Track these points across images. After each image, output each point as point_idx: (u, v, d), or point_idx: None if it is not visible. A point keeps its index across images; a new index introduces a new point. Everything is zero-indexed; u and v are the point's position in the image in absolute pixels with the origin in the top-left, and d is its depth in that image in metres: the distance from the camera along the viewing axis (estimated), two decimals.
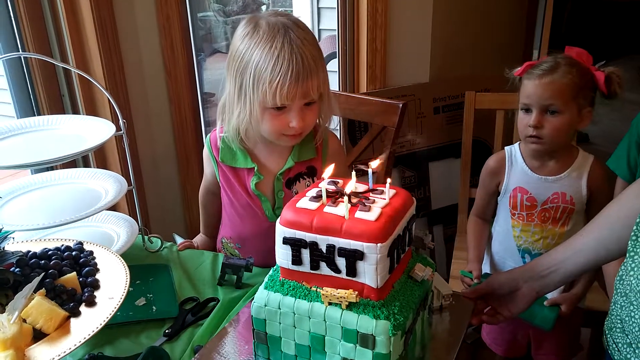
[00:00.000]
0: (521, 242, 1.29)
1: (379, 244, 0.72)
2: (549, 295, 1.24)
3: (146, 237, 1.21)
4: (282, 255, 0.79)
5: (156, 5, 1.42)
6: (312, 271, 0.77)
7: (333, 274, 0.76)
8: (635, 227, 0.75)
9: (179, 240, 1.25)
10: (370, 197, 0.80)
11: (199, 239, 1.34)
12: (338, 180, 0.85)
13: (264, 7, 5.95)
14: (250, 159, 1.15)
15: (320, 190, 0.80)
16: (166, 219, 1.60)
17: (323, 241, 0.75)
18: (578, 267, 0.89)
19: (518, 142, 1.32)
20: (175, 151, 1.60)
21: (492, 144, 1.77)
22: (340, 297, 0.75)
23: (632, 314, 0.72)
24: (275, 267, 0.85)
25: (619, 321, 0.77)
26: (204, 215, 1.34)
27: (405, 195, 0.82)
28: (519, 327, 1.36)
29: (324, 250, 0.75)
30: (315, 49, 1.03)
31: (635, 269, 0.70)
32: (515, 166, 1.29)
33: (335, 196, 0.80)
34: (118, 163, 1.44)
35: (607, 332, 0.82)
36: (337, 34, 1.91)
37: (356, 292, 0.75)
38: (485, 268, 1.37)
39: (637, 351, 0.71)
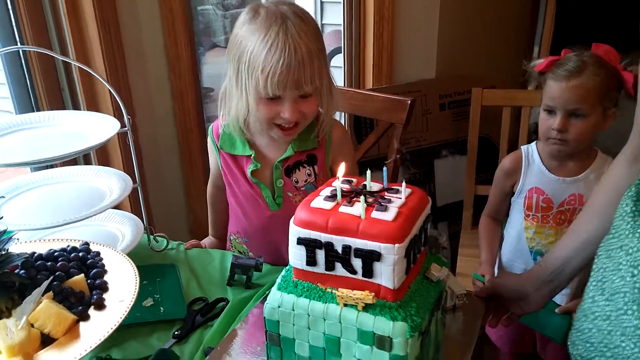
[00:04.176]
0: (534, 243, 1.27)
1: (396, 245, 0.70)
2: (560, 301, 1.22)
3: (152, 237, 1.18)
4: (296, 255, 0.77)
5: None
6: (327, 272, 0.75)
7: (349, 274, 0.74)
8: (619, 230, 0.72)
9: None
10: (386, 197, 0.78)
11: (207, 241, 1.32)
12: (352, 179, 0.83)
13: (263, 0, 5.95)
14: (249, 146, 1.14)
15: (335, 190, 0.78)
16: (170, 217, 1.58)
17: (339, 242, 0.73)
18: (581, 265, 0.87)
19: (535, 142, 1.29)
20: (179, 148, 1.57)
21: (498, 141, 1.75)
22: (357, 299, 0.74)
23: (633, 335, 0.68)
24: (287, 268, 0.83)
25: (603, 347, 0.72)
26: (212, 214, 1.32)
27: (420, 194, 0.81)
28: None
29: (340, 251, 0.73)
30: (314, 40, 1.02)
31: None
32: (532, 166, 1.27)
33: (350, 195, 0.78)
34: (120, 160, 1.41)
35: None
36: (342, 28, 1.88)
37: (373, 294, 0.73)
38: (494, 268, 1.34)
39: None
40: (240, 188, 1.17)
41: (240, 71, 1.03)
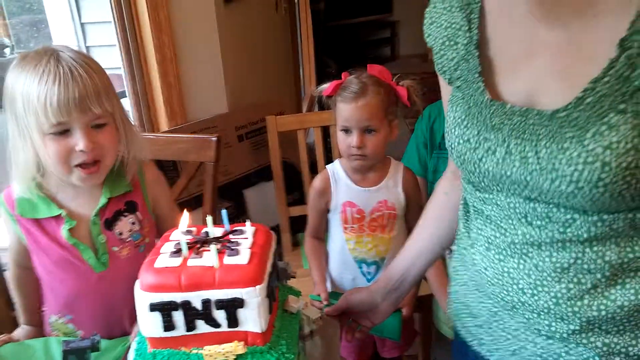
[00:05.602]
0: (356, 253, 1.36)
1: (257, 286, 0.69)
2: None
3: None
4: (150, 324, 0.70)
5: None
6: (188, 333, 0.71)
7: (212, 329, 0.71)
8: (459, 222, 0.85)
9: None
10: (232, 240, 0.76)
11: (20, 332, 1.09)
12: (192, 228, 0.79)
13: (7, 50, 5.25)
14: (56, 205, 1.00)
15: (178, 244, 0.73)
16: None
17: (197, 298, 0.69)
18: (422, 269, 0.97)
19: (338, 160, 1.38)
20: None
21: (297, 163, 1.84)
22: (227, 353, 0.70)
23: (480, 299, 0.81)
24: (139, 340, 0.75)
25: (464, 307, 0.85)
26: (22, 300, 1.10)
27: (264, 230, 0.81)
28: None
29: (200, 308, 0.69)
30: (93, 64, 0.96)
31: (477, 257, 0.77)
32: (340, 182, 1.35)
33: (196, 246, 0.74)
34: None
35: (454, 318, 0.90)
36: (123, 72, 1.77)
37: (242, 342, 0.71)
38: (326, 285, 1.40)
39: (489, 330, 0.79)
40: (52, 257, 1.01)
41: (18, 117, 0.92)
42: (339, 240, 1.37)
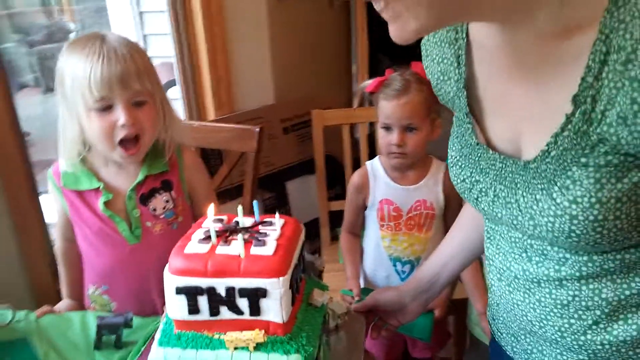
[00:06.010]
0: (391, 251, 1.35)
1: (281, 278, 0.70)
2: None
3: None
4: (176, 306, 0.72)
5: None
6: (211, 318, 0.73)
7: (235, 316, 0.72)
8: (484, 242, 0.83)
9: (8, 314, 1.06)
10: (261, 231, 0.77)
11: (62, 304, 1.16)
12: (223, 217, 0.81)
13: (72, 35, 5.52)
14: (96, 179, 1.08)
15: (208, 231, 0.75)
16: (6, 285, 1.37)
17: (221, 284, 0.71)
18: (455, 272, 0.95)
19: (378, 157, 1.38)
20: (5, 201, 1.38)
21: (340, 158, 1.84)
22: (247, 340, 0.72)
23: (508, 313, 0.79)
24: (165, 321, 0.78)
25: (499, 315, 0.83)
26: (66, 272, 1.18)
27: (294, 222, 0.81)
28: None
29: (224, 294, 0.71)
30: (137, 48, 1.03)
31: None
32: (379, 179, 1.35)
33: (225, 235, 0.75)
34: None
35: (491, 322, 0.89)
36: (174, 61, 1.83)
37: (262, 331, 0.72)
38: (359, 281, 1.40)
39: (519, 340, 0.77)
40: (91, 227, 1.09)
41: (66, 96, 1.01)
42: (374, 237, 1.37)
